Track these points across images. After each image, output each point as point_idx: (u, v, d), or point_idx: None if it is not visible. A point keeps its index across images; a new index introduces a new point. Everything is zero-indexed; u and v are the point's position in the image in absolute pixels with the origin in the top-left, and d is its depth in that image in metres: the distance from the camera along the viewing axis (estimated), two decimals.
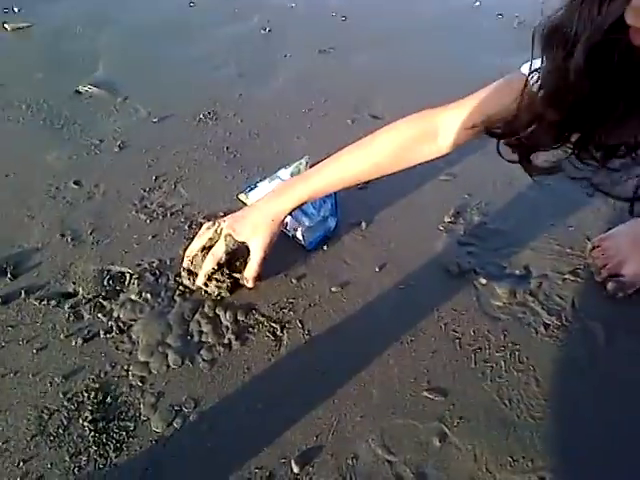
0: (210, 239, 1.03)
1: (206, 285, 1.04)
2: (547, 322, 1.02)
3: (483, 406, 0.90)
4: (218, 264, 1.01)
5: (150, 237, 1.19)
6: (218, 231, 1.02)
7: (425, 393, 0.91)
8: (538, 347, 0.98)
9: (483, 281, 1.09)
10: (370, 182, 1.31)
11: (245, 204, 1.25)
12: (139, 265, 1.12)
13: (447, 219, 1.23)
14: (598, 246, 1.14)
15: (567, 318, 1.03)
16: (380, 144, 0.99)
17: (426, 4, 2.39)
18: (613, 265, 1.09)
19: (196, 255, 1.04)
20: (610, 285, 1.07)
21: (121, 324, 1.01)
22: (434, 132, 0.95)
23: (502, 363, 0.95)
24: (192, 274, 1.06)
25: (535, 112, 0.75)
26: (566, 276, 1.11)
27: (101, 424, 0.86)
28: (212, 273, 1.02)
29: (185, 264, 1.06)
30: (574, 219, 1.24)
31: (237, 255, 1.02)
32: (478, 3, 2.42)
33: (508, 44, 1.83)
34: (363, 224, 1.22)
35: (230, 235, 1.00)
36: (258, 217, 1.01)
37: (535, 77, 0.74)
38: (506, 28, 2.17)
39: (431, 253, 1.16)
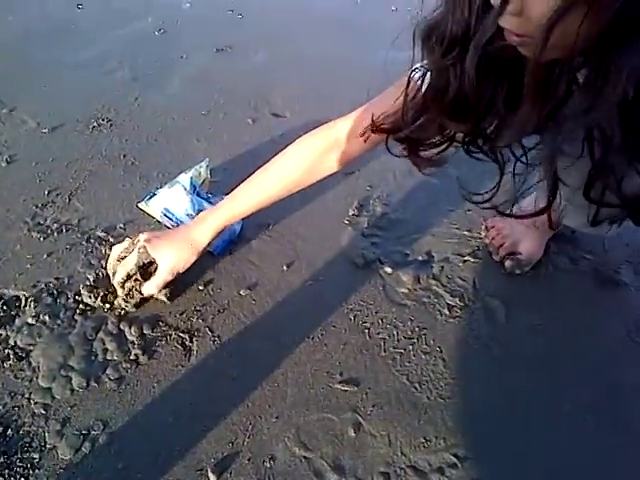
0: (126, 249, 0.99)
1: (111, 300, 1.01)
2: (450, 304, 1.07)
3: (395, 391, 0.92)
4: (128, 275, 0.98)
5: (45, 256, 1.12)
6: (135, 242, 0.99)
7: (338, 385, 0.92)
8: (443, 329, 1.02)
9: (388, 270, 1.12)
10: None
11: (146, 213, 1.21)
12: (35, 286, 1.06)
13: (351, 212, 1.26)
14: (493, 227, 1.20)
15: (469, 298, 1.08)
16: (290, 162, 0.99)
17: (322, 0, 2.41)
18: (509, 244, 1.15)
19: (114, 264, 1.00)
20: (507, 263, 1.13)
21: (19, 350, 0.95)
22: (336, 143, 0.96)
23: (410, 348, 0.99)
24: (93, 291, 1.02)
25: (418, 108, 0.78)
26: (466, 258, 1.16)
27: (2, 459, 0.81)
28: (122, 283, 0.98)
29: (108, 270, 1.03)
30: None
31: (150, 269, 1.00)
32: None
33: (403, 38, 1.87)
34: (269, 224, 1.21)
35: (145, 247, 0.97)
36: (176, 238, 1.00)
37: (418, 74, 0.77)
38: (401, 22, 2.22)
39: (337, 247, 1.17)
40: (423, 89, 0.76)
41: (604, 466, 0.84)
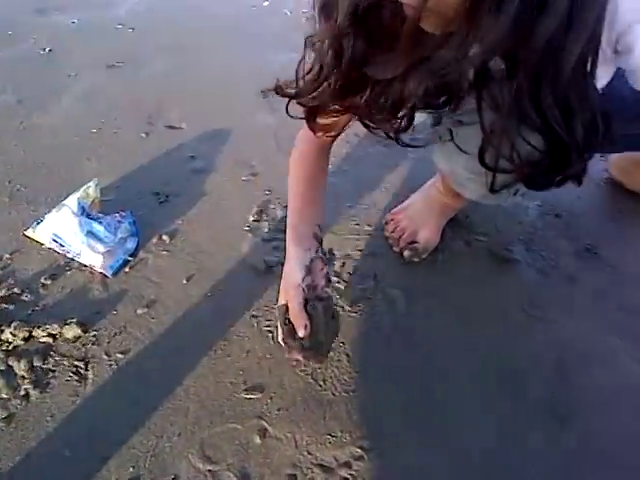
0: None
1: None
2: (352, 299, 1.08)
3: (300, 392, 0.92)
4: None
5: None
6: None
7: (242, 394, 0.91)
8: (346, 324, 1.03)
9: None
10: (170, 196, 1.30)
11: (34, 240, 1.15)
12: None
13: (251, 218, 1.25)
14: (392, 220, 1.23)
15: (370, 291, 1.10)
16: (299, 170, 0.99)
17: (215, 8, 2.38)
18: (408, 234, 1.18)
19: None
20: (406, 253, 1.16)
21: None
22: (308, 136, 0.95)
23: None
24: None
25: (314, 77, 0.78)
26: (367, 253, 1.18)
27: None
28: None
29: None
30: (369, 198, 1.32)
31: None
32: (267, 3, 2.48)
33: (299, 40, 1.89)
34: (166, 238, 1.19)
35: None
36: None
37: (314, 44, 0.78)
38: (295, 25, 2.24)
39: (238, 255, 1.16)
40: (317, 59, 0.77)
41: (512, 445, 0.87)
